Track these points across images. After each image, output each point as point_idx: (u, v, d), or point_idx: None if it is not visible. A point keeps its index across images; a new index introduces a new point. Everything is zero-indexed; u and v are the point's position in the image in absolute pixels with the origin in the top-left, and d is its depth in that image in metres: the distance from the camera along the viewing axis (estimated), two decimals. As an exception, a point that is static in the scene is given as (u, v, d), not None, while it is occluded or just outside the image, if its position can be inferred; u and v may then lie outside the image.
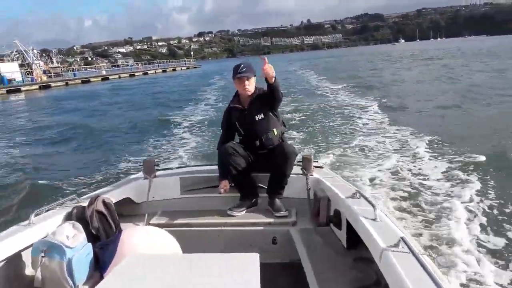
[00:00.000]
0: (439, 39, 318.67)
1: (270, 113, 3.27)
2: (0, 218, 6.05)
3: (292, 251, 2.70)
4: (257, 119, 3.24)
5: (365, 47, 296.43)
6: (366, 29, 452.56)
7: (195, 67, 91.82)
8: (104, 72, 66.21)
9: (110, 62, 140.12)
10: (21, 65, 49.57)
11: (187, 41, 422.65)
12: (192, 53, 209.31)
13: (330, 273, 2.24)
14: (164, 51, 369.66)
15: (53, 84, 47.87)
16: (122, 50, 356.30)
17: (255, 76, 3.28)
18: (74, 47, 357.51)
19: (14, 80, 44.83)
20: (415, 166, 7.05)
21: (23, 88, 42.87)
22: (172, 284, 1.57)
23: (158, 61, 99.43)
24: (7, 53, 51.65)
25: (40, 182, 8.01)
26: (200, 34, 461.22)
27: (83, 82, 53.22)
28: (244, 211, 3.24)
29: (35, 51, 54.84)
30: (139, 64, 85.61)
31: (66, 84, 50.05)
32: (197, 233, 3.04)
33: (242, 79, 3.18)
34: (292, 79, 32.23)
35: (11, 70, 45.81)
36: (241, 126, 3.30)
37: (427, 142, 8.63)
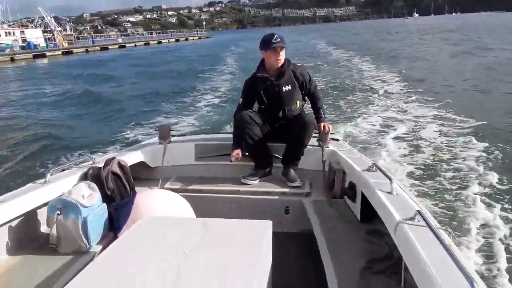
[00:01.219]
0: (454, 14, 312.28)
1: (297, 86, 3.27)
2: (16, 176, 6.33)
3: (304, 221, 2.72)
4: (284, 90, 3.22)
5: (378, 20, 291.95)
6: (380, 2, 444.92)
7: (207, 37, 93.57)
8: (120, 40, 68.46)
9: (120, 31, 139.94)
10: (43, 32, 51.74)
11: (197, 11, 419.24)
12: (204, 23, 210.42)
13: (342, 244, 2.24)
14: (174, 21, 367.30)
15: (74, 51, 50.09)
16: (131, 19, 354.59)
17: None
18: (84, 15, 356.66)
19: (39, 45, 47.15)
20: (433, 142, 7.08)
21: (48, 54, 45.12)
22: (185, 246, 1.60)
23: (171, 30, 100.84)
24: (32, 19, 53.76)
25: (57, 143, 8.38)
26: (211, 4, 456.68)
27: (101, 49, 55.43)
28: (258, 180, 3.23)
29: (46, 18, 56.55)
30: (154, 33, 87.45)
31: (86, 51, 52.33)
32: (210, 199, 3.06)
33: (277, 50, 3.12)
34: (304, 49, 33.50)
35: (36, 36, 48.15)
36: (267, 95, 3.26)
37: (445, 116, 8.63)
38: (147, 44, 67.46)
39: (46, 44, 49.11)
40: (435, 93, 11.63)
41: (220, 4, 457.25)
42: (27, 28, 50.28)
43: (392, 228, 1.81)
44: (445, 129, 7.83)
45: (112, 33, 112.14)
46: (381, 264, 2.03)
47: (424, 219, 1.70)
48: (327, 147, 3.25)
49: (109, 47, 57.93)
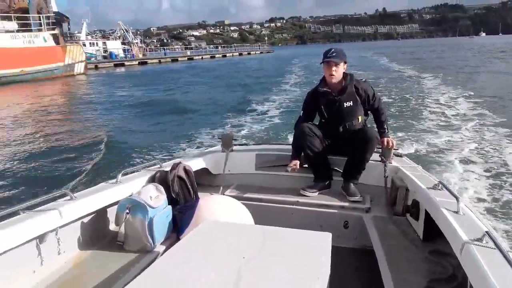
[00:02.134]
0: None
1: (359, 102, 3.26)
2: (90, 175, 6.72)
3: (364, 237, 2.71)
4: (345, 106, 3.22)
5: (442, 38, 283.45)
6: (445, 20, 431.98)
7: (269, 52, 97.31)
8: (189, 53, 73.25)
9: (184, 45, 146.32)
10: (122, 43, 56.85)
11: (258, 27, 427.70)
12: (266, 38, 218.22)
13: (404, 263, 2.18)
14: (236, 35, 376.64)
15: (149, 61, 54.62)
16: (195, 33, 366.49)
17: (345, 63, 3.24)
18: (151, 29, 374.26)
19: (119, 55, 51.95)
20: (504, 161, 6.85)
21: (126, 63, 49.73)
22: (244, 251, 1.64)
23: (235, 45, 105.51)
24: (111, 31, 59.20)
25: (128, 146, 8.83)
26: (272, 20, 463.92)
27: (172, 60, 59.84)
28: (317, 193, 3.22)
29: (121, 31, 61.39)
30: (220, 47, 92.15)
31: (159, 61, 56.97)
32: (269, 209, 3.10)
33: (330, 64, 3.15)
34: (364, 64, 34.74)
35: (116, 47, 53.11)
36: (327, 110, 3.28)
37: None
38: (212, 57, 71.62)
39: (125, 55, 53.94)
40: (506, 111, 11.26)
41: (281, 20, 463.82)
42: (108, 39, 55.48)
43: (458, 248, 1.75)
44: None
45: (177, 46, 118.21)
46: (444, 285, 1.98)
47: (493, 241, 1.64)
48: (390, 163, 3.21)
49: (179, 59, 62.60)
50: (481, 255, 1.57)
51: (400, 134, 8.82)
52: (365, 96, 3.26)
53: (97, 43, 51.76)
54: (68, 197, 2.34)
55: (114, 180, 2.67)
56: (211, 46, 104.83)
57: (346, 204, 3.06)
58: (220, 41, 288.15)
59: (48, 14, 31.21)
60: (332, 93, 3.25)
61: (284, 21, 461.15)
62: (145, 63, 53.36)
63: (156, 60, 57.13)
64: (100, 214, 2.54)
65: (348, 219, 2.97)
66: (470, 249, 1.64)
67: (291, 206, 3.11)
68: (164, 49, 78.71)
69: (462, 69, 26.64)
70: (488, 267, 1.46)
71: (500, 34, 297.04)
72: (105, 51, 51.58)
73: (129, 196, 2.54)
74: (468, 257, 1.63)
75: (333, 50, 3.21)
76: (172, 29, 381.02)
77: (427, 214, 2.38)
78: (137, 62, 52.12)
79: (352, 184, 3.18)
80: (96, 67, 44.45)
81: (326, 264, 1.61)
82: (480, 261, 1.52)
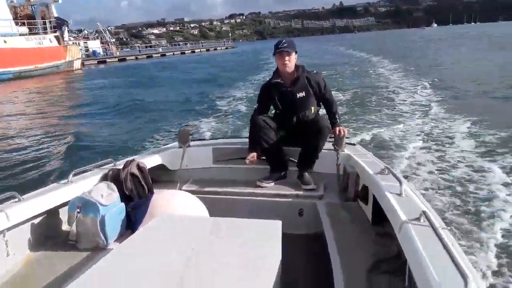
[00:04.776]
0: (473, 23, 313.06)
1: (311, 93, 3.32)
2: (41, 176, 6.50)
3: (317, 224, 2.74)
4: (298, 97, 3.29)
5: (396, 30, 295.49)
6: (399, 12, 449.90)
7: (233, 47, 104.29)
8: (160, 50, 78.23)
9: (144, 43, 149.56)
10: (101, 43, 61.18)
11: (219, 23, 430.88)
12: (230, 35, 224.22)
13: (352, 246, 2.27)
14: (196, 32, 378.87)
15: (127, 58, 59.45)
16: (155, 31, 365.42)
17: (296, 53, 3.30)
18: (109, 28, 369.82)
19: (100, 54, 56.18)
20: (452, 147, 7.01)
21: (108, 60, 53.90)
22: (195, 243, 1.66)
23: (202, 42, 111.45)
24: (90, 32, 63.43)
25: (81, 145, 8.62)
26: (231, 16, 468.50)
27: (147, 57, 64.82)
28: (273, 183, 3.27)
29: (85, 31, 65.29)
30: (188, 43, 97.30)
31: (136, 58, 61.68)
32: (225, 201, 3.12)
33: (283, 54, 3.21)
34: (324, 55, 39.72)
35: (96, 46, 57.28)
36: (281, 102, 3.34)
37: (466, 122, 8.52)
38: (183, 53, 76.87)
39: (106, 53, 58.21)
40: (458, 98, 11.76)
41: (241, 16, 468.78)
42: (88, 39, 59.44)
43: (397, 228, 1.82)
44: (467, 134, 7.74)
45: (137, 45, 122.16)
46: (388, 265, 2.05)
47: (429, 220, 1.70)
48: (342, 151, 3.27)
49: (153, 55, 67.61)
50: (416, 233, 1.65)
51: (356, 124, 9.07)
52: (317, 87, 3.34)
53: (79, 43, 55.64)
54: (16, 199, 2.32)
55: (65, 180, 2.66)
56: (180, 43, 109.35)
57: (301, 192, 3.12)
58: (180, 38, 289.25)
59: (51, 19, 35.68)
60: (285, 85, 3.32)
61: (244, 17, 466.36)
62: (124, 59, 57.64)
63: (133, 57, 61.69)
64: (51, 215, 2.53)
65: (303, 206, 3.00)
66: (406, 228, 1.72)
67: (248, 198, 3.14)
68: (138, 47, 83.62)
69: (406, 58, 28.36)
70: (420, 244, 1.55)
71: (450, 24, 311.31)
72: (87, 49, 55.54)
73: (80, 195, 2.51)
74: (404, 235, 1.71)
75: (284, 41, 3.31)
76: (131, 28, 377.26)
77: (375, 198, 2.44)
78: (117, 59, 56.26)
79: (306, 173, 3.25)
80: (83, 64, 48.35)
81: (276, 251, 1.64)
82: (414, 238, 1.61)
